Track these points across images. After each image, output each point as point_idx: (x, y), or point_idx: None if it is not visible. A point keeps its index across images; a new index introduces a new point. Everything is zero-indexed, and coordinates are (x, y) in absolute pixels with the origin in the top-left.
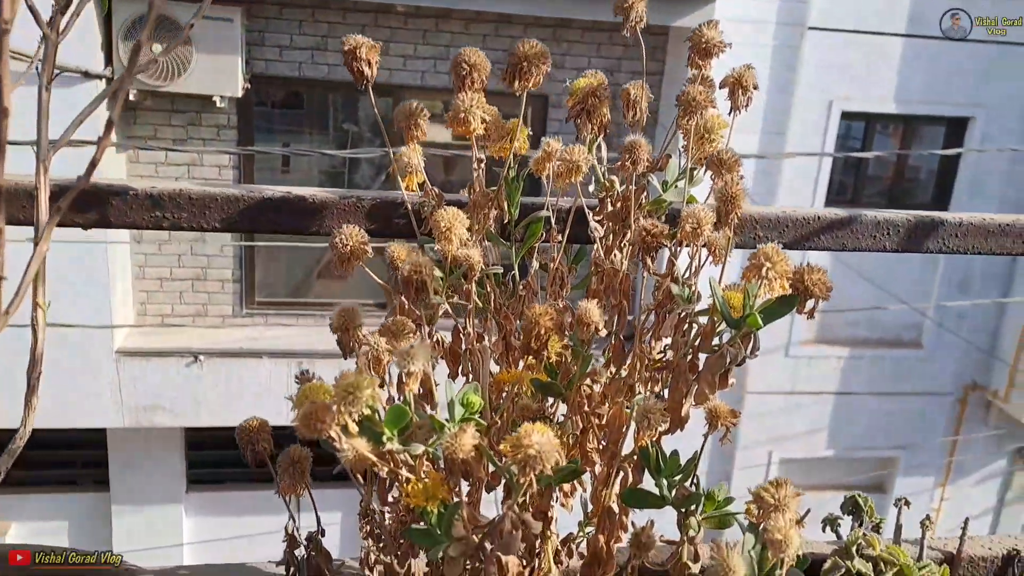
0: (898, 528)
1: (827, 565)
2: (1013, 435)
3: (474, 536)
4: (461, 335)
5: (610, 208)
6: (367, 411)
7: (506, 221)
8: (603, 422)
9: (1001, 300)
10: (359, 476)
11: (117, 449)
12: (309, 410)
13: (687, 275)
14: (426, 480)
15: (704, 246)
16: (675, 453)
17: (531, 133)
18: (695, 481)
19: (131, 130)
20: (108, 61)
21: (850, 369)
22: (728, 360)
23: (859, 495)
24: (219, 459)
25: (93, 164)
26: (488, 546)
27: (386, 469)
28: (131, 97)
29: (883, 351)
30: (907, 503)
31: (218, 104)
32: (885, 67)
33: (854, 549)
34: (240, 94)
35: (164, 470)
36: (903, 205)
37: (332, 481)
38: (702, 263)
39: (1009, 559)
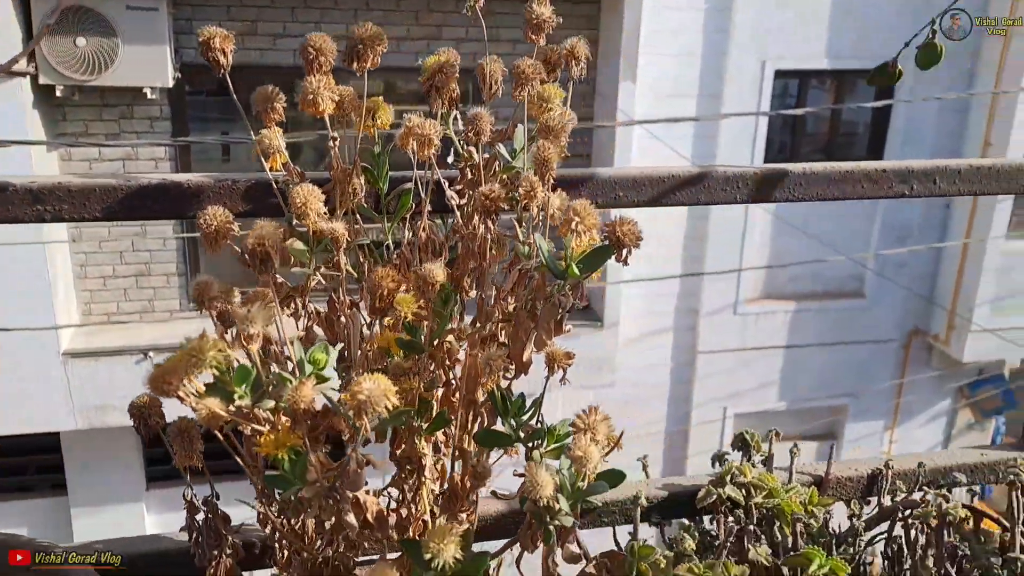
0: (770, 457)
1: (701, 493)
2: (954, 375)
3: (325, 479)
4: (336, 304)
5: (469, 177)
6: (216, 372)
7: (361, 194)
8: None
9: (936, 245)
10: (220, 434)
11: (72, 452)
12: (157, 373)
13: (527, 234)
14: (279, 431)
15: (541, 208)
16: (521, 396)
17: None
18: (540, 419)
19: (61, 127)
20: (31, 57)
21: (797, 323)
22: (560, 308)
23: (746, 432)
24: None
25: None
26: (338, 485)
27: (250, 427)
28: (58, 93)
29: (827, 303)
30: (777, 434)
31: (149, 96)
32: (816, 23)
33: (727, 478)
34: (171, 84)
35: (122, 469)
36: (840, 159)
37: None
38: (539, 222)
39: (873, 477)
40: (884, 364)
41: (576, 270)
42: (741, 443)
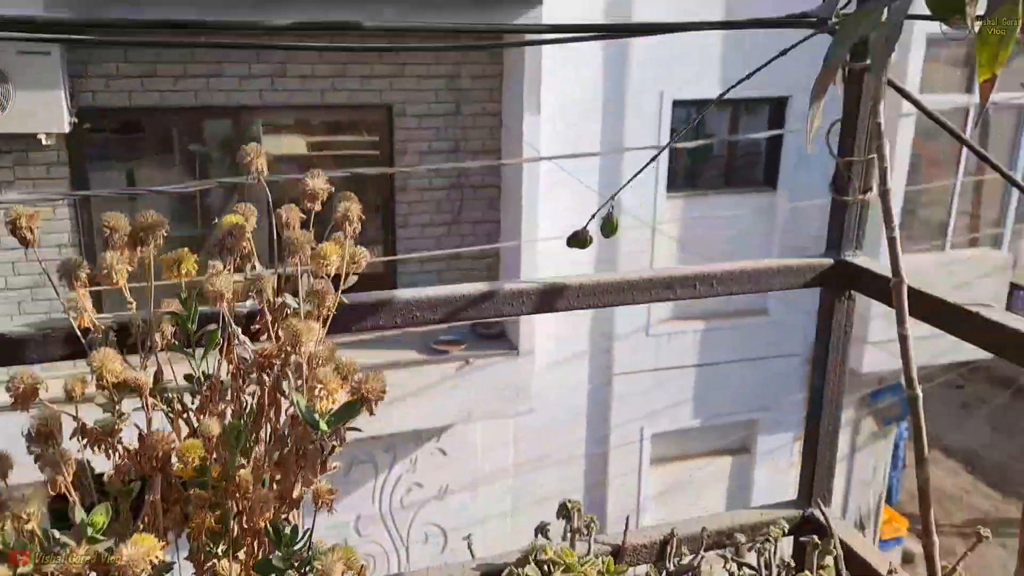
0: (572, 532)
1: (504, 574)
2: (856, 385)
3: None
4: (145, 440)
5: (268, 318)
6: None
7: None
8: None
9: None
10: None
11: None
12: None
13: (300, 383)
14: None
15: (309, 359)
16: (295, 528)
17: (375, 139)
18: (308, 548)
19: None
20: None
21: (707, 341)
22: (322, 453)
23: (568, 501)
24: None
25: None
26: None
27: None
28: None
29: (735, 321)
30: (579, 510)
31: (44, 142)
32: (709, 56)
33: (531, 557)
34: (67, 129)
35: None
36: (741, 181)
37: None
38: (308, 371)
39: (665, 542)
40: (791, 378)
41: (325, 425)
42: (564, 512)
